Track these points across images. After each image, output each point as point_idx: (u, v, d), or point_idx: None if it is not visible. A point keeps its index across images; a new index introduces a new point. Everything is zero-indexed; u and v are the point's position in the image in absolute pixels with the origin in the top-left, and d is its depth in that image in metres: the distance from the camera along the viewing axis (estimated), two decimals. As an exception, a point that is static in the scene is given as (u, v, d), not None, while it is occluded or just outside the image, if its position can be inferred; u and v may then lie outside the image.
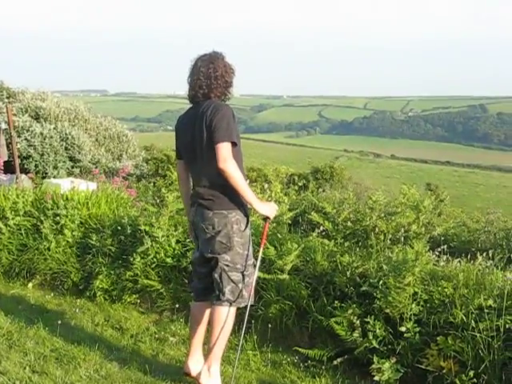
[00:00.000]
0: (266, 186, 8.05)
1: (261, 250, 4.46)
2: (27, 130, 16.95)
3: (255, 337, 5.40)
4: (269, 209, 4.36)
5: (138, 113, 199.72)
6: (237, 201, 4.22)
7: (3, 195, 7.71)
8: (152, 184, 13.61)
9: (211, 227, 4.21)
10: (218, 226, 4.20)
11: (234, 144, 4.07)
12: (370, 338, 4.70)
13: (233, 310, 4.31)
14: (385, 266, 4.94)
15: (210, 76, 4.19)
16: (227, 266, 4.25)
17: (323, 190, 12.76)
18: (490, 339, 4.29)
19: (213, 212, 4.21)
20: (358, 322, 4.79)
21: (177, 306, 6.05)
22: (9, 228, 7.34)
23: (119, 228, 6.81)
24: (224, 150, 3.98)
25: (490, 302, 4.42)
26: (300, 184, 10.69)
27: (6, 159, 11.18)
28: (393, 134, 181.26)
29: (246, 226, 4.28)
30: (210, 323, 4.34)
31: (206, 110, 4.12)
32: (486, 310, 4.40)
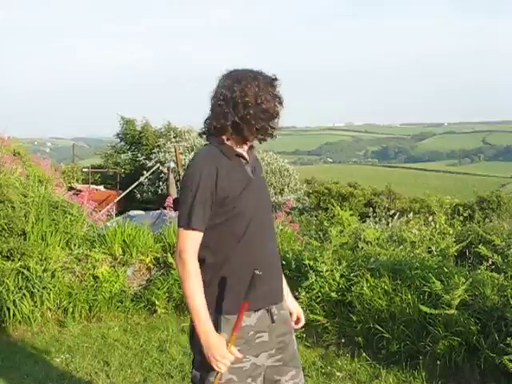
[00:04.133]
0: (430, 218, 7.91)
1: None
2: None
3: (423, 373, 5.28)
4: (210, 348, 2.66)
5: (298, 146, 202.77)
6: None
7: (173, 231, 8.07)
8: (314, 217, 13.73)
9: None
10: None
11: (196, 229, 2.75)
12: (548, 377, 4.47)
13: None
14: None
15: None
16: None
17: (490, 221, 12.35)
18: None
19: None
20: (533, 360, 4.57)
21: (342, 340, 6.05)
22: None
23: (284, 263, 6.91)
24: (179, 238, 2.78)
25: None
26: (465, 214, 10.41)
27: (175, 196, 11.73)
28: None
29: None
30: None
31: None
32: None
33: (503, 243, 6.17)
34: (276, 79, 2.84)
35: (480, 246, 6.10)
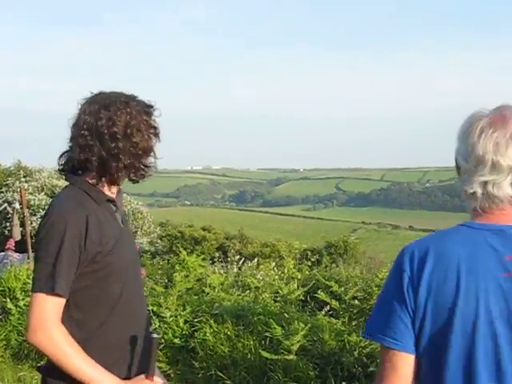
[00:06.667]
0: (277, 263, 8.03)
1: None
2: (43, 209, 17.19)
3: (263, 419, 5.31)
4: None
5: (156, 188, 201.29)
6: None
7: (14, 276, 7.74)
8: (166, 261, 13.66)
9: None
10: None
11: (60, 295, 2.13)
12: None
13: None
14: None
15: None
16: None
17: (337, 266, 12.76)
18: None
19: None
20: (365, 404, 4.70)
21: (184, 388, 5.98)
22: (19, 309, 7.32)
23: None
24: (36, 306, 2.14)
25: None
26: (313, 259, 10.69)
27: (18, 239, 11.28)
28: (411, 206, 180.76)
29: None
30: None
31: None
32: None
33: (341, 289, 6.35)
34: (152, 106, 2.36)
35: (319, 292, 6.27)
